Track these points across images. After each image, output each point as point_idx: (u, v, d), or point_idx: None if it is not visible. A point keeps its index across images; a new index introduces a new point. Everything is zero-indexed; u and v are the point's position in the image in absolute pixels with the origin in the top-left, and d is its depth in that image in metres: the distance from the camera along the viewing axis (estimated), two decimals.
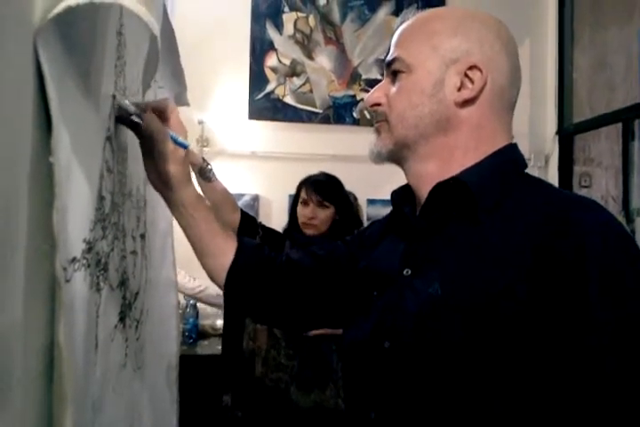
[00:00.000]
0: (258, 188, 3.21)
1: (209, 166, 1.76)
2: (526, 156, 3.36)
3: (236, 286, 0.95)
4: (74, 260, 0.56)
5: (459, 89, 0.76)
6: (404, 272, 0.77)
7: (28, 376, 0.45)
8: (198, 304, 2.67)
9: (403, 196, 0.86)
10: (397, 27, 0.84)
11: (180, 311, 2.65)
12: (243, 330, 1.86)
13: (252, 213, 3.19)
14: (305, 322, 1.04)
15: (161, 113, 0.82)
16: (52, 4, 0.46)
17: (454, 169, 0.76)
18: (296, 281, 0.96)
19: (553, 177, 3.38)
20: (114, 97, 0.73)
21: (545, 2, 3.53)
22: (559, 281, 0.64)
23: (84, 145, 0.60)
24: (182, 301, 2.71)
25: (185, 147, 0.86)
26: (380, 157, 0.82)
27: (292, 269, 0.97)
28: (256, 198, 3.19)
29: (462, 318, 0.68)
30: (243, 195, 3.18)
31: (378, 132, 0.83)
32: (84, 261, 0.60)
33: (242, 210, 1.96)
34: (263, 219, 3.16)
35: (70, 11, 0.47)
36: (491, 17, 0.82)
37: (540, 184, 0.79)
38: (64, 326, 0.46)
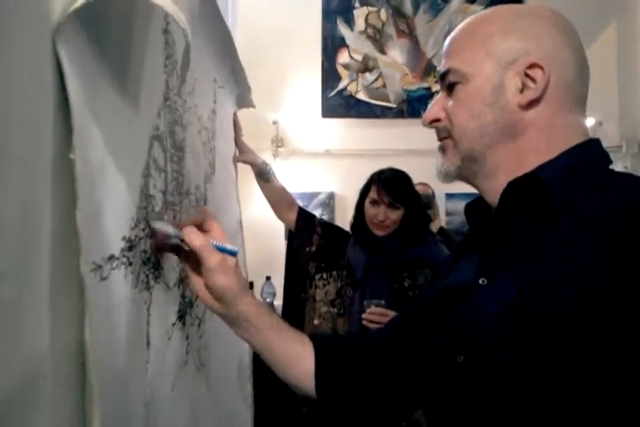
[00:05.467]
0: (333, 185, 3.20)
1: (268, 167, 1.77)
2: (617, 142, 3.15)
3: (329, 389, 0.87)
4: (111, 257, 0.56)
5: (521, 91, 0.71)
6: (480, 282, 0.72)
7: (57, 373, 0.46)
8: (275, 302, 2.69)
9: (476, 209, 0.80)
10: (446, 35, 0.79)
11: None
12: (302, 328, 1.85)
13: (327, 210, 3.20)
14: (412, 400, 0.91)
15: (201, 224, 0.76)
16: (68, 1, 0.46)
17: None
18: (385, 363, 0.87)
19: None
20: (147, 222, 0.68)
21: None
22: None
23: (122, 143, 0.60)
24: (259, 298, 2.74)
25: (234, 254, 0.78)
26: (450, 176, 0.78)
27: (377, 351, 0.89)
28: (331, 196, 3.18)
29: (539, 322, 0.63)
30: (318, 193, 3.18)
31: (443, 150, 0.78)
32: (125, 260, 0.60)
33: (300, 207, 1.96)
34: (339, 216, 3.15)
35: (91, 7, 0.46)
36: (546, 9, 0.76)
37: (628, 178, 0.71)
38: (89, 324, 0.46)
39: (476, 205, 0.81)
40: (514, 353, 0.65)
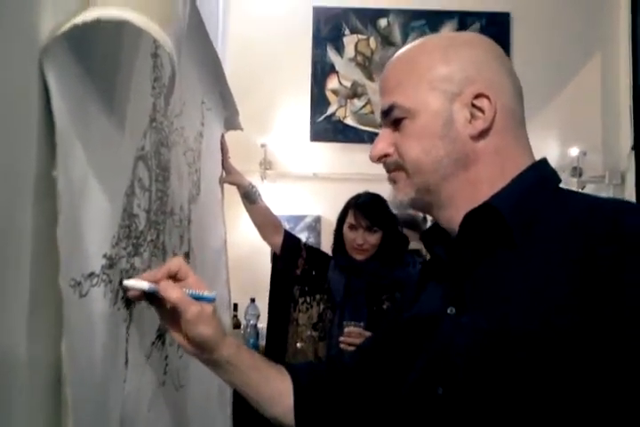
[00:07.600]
0: (320, 209, 3.21)
1: (254, 189, 1.79)
2: (600, 173, 3.17)
3: (308, 423, 0.88)
4: (91, 275, 0.56)
5: (470, 121, 0.71)
6: (449, 311, 0.72)
7: (33, 387, 0.46)
8: (259, 325, 2.68)
9: (434, 236, 0.80)
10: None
11: (242, 332, 2.67)
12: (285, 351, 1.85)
13: (314, 234, 3.21)
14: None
15: (175, 274, 0.75)
16: (58, 23, 0.47)
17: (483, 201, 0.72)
18: (358, 392, 0.89)
19: (630, 195, 3.18)
20: (120, 283, 0.67)
21: (616, 13, 3.40)
22: (601, 289, 0.60)
23: (106, 162, 0.61)
24: (243, 321, 2.73)
25: (211, 300, 0.77)
26: (403, 206, 0.77)
27: (350, 380, 0.90)
28: (318, 220, 3.20)
29: (512, 350, 0.63)
30: (305, 216, 3.19)
31: (394, 181, 0.77)
32: (105, 277, 0.60)
33: (286, 231, 1.97)
34: (325, 240, 3.16)
35: (79, 29, 0.48)
36: (476, 36, 0.77)
37: (575, 197, 0.73)
38: (66, 340, 0.46)
39: (432, 232, 0.81)
40: (490, 383, 0.65)
